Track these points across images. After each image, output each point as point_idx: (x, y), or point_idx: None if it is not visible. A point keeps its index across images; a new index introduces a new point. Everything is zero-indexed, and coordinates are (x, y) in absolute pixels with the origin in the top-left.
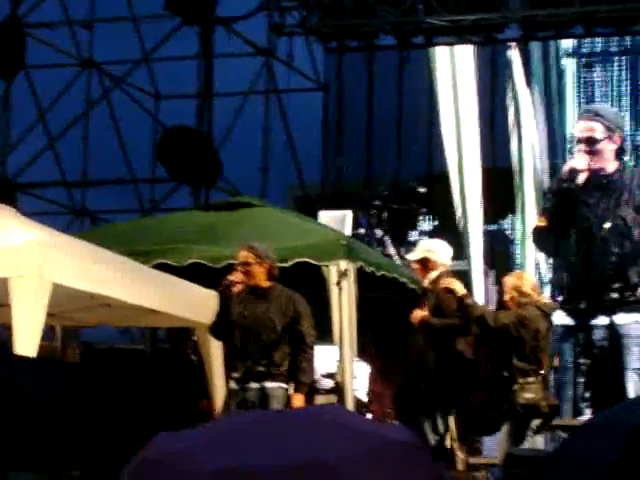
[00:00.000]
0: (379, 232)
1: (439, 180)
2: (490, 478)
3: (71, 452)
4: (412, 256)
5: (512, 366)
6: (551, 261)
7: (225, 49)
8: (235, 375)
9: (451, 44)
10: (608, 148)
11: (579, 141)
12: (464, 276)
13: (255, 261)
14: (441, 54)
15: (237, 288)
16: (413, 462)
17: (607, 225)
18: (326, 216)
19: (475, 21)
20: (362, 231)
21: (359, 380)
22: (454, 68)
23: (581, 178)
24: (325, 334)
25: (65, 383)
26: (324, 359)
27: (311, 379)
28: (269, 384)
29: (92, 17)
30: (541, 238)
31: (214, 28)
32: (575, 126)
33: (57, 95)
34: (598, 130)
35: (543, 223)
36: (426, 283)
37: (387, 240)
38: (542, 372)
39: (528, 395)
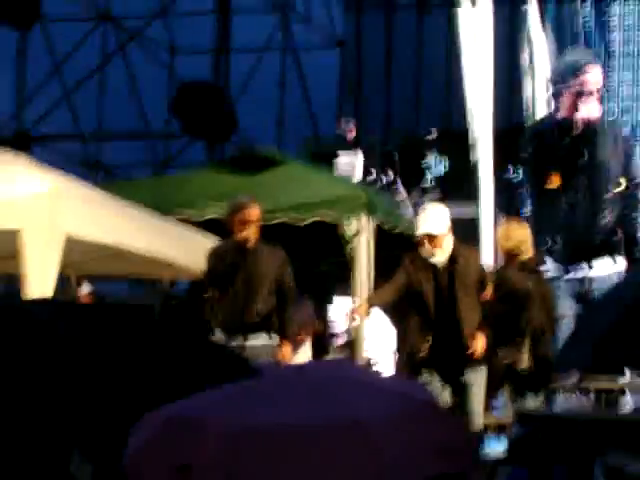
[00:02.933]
0: (390, 175)
1: (454, 135)
2: (512, 433)
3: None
4: (420, 231)
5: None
6: None
7: (242, 4)
8: (230, 327)
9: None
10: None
11: (591, 92)
12: (473, 224)
13: (259, 218)
14: (463, 13)
15: (250, 244)
16: (435, 418)
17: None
18: (339, 161)
19: None
20: (373, 175)
21: (370, 340)
22: (473, 27)
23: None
24: (343, 289)
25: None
26: (341, 316)
27: (294, 330)
28: (261, 342)
29: None
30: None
31: None
32: (589, 75)
33: (73, 47)
34: (600, 76)
35: (557, 183)
36: (441, 259)
37: (398, 184)
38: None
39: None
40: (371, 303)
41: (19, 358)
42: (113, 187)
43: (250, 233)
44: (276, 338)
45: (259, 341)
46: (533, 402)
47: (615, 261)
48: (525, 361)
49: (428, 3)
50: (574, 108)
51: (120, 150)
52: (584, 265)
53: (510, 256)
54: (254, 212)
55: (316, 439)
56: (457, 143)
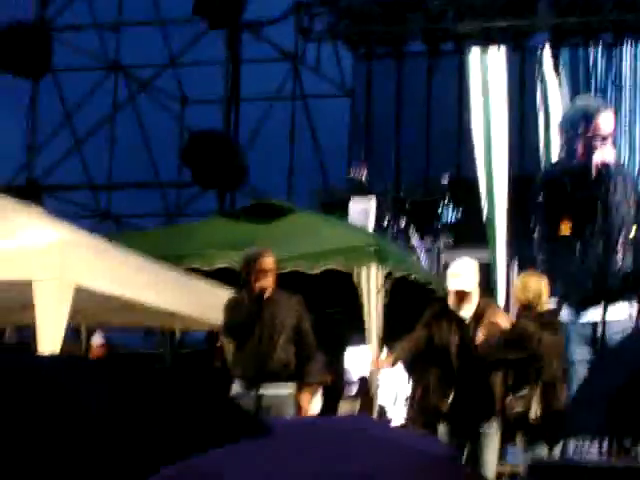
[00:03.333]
0: (403, 222)
1: (466, 183)
2: None
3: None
4: (452, 287)
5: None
6: None
7: (252, 54)
8: (251, 377)
9: (481, 50)
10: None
11: (605, 137)
12: (486, 267)
13: (275, 267)
14: (474, 59)
15: (268, 293)
16: (452, 476)
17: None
18: (353, 205)
19: (504, 28)
20: (386, 222)
21: (383, 387)
22: (485, 74)
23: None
24: (355, 338)
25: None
26: (355, 362)
27: (316, 378)
28: (282, 390)
29: (119, 20)
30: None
31: (242, 32)
32: (601, 120)
33: (83, 98)
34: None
35: (568, 231)
36: (468, 314)
37: (411, 230)
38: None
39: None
40: (397, 357)
41: (26, 419)
42: (123, 237)
43: (267, 282)
44: (294, 386)
45: (279, 390)
46: (544, 452)
47: (630, 306)
48: (535, 411)
49: (438, 51)
50: (587, 154)
51: (130, 200)
52: (598, 310)
53: (526, 307)
54: (270, 261)
55: None
56: (468, 190)
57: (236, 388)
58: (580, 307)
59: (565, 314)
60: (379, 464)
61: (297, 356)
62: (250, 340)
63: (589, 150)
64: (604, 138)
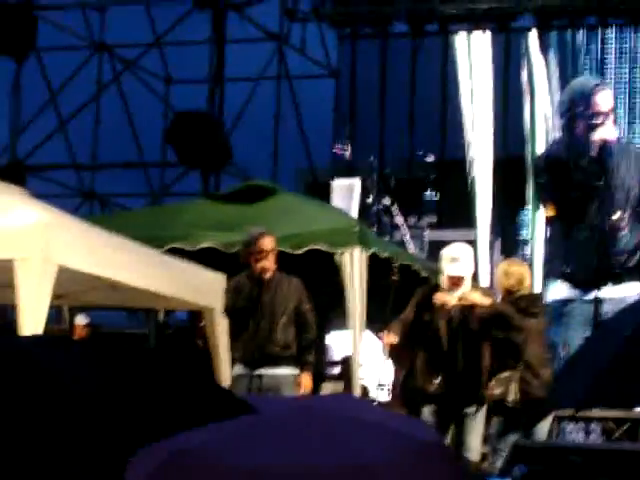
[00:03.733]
0: (387, 201)
1: (450, 163)
2: (516, 471)
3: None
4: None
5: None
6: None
7: (237, 34)
8: (247, 358)
9: (465, 32)
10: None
11: (605, 113)
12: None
13: (275, 247)
14: (460, 41)
15: (268, 275)
16: (439, 461)
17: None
18: (337, 185)
19: (489, 9)
20: (370, 200)
21: (366, 367)
22: (470, 55)
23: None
24: (336, 321)
25: (79, 360)
26: (334, 345)
27: (315, 359)
28: (282, 370)
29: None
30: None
31: (226, 13)
32: (599, 97)
33: (68, 78)
34: (611, 100)
35: (553, 212)
36: (453, 301)
37: (395, 209)
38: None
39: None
40: (395, 332)
41: (15, 400)
42: (107, 218)
43: (267, 263)
44: (296, 368)
45: (278, 371)
46: (519, 435)
47: (633, 284)
48: (513, 394)
49: (423, 31)
50: (588, 132)
51: (115, 180)
52: (599, 288)
53: (509, 293)
54: (269, 241)
55: None
56: (452, 170)
57: (236, 370)
58: (582, 286)
59: (566, 292)
60: (369, 450)
61: (298, 338)
62: (250, 322)
63: (589, 129)
64: (604, 115)
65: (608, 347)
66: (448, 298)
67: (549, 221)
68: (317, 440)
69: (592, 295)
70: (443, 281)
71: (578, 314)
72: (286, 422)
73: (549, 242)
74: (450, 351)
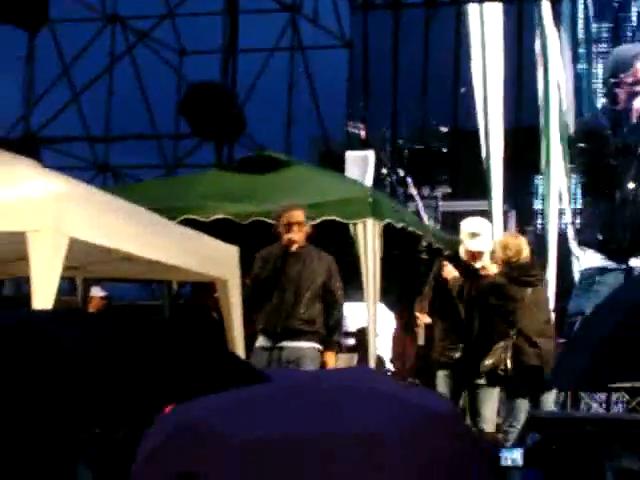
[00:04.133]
0: (401, 172)
1: (463, 134)
2: (528, 440)
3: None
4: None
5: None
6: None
7: (250, 5)
8: (270, 330)
9: (477, 2)
10: None
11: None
12: (485, 216)
13: (305, 221)
14: (472, 10)
15: (295, 247)
16: (453, 432)
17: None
18: (351, 157)
19: None
20: (384, 171)
21: (381, 338)
22: (483, 25)
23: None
24: (349, 292)
25: (90, 332)
26: (347, 317)
27: (340, 337)
28: (305, 344)
29: None
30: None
31: None
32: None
33: (81, 50)
34: None
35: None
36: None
37: (409, 180)
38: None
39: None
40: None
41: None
42: (120, 189)
43: (295, 236)
44: (318, 343)
45: (300, 344)
46: (524, 405)
47: None
48: (504, 364)
49: (435, 1)
50: (628, 100)
51: (128, 152)
52: (632, 257)
53: (508, 264)
54: (298, 214)
55: (330, 451)
56: (466, 140)
57: (259, 342)
58: (617, 255)
59: (602, 262)
60: (375, 416)
61: (325, 315)
62: (274, 294)
63: (630, 96)
64: None
65: (608, 322)
66: (455, 274)
67: (595, 185)
68: (323, 410)
69: (624, 264)
70: (463, 253)
71: (610, 283)
72: (295, 393)
73: (582, 211)
74: (467, 320)
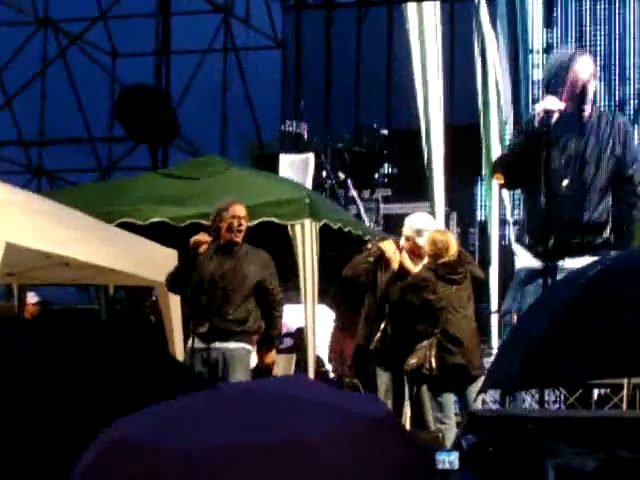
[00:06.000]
0: (341, 175)
1: (398, 135)
2: (464, 443)
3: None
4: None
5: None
6: (517, 202)
7: (183, 7)
8: (200, 331)
9: (408, 1)
10: (592, 89)
11: (585, 81)
12: None
13: (247, 219)
14: (410, 9)
15: (203, 248)
16: (389, 438)
17: (565, 182)
18: (288, 160)
19: None
20: (324, 174)
21: (319, 338)
22: (422, 24)
23: (553, 119)
24: (288, 293)
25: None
26: (285, 318)
27: (279, 334)
28: (233, 344)
29: None
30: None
31: None
32: (579, 64)
33: (13, 53)
34: (591, 69)
35: (501, 180)
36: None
37: (349, 183)
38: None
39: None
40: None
41: None
42: (56, 193)
43: (237, 237)
44: (248, 344)
45: (231, 344)
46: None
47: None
48: (428, 363)
49: (367, 0)
50: (570, 100)
51: (63, 156)
52: (556, 258)
53: (433, 260)
54: (243, 208)
55: (266, 461)
56: (404, 141)
57: (190, 343)
58: (543, 257)
59: (531, 262)
60: (304, 425)
61: (263, 315)
62: (205, 294)
63: (573, 98)
64: (585, 83)
65: (543, 319)
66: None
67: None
68: (252, 419)
69: (551, 264)
70: (405, 245)
71: (537, 284)
72: (229, 404)
73: (522, 211)
74: (391, 311)
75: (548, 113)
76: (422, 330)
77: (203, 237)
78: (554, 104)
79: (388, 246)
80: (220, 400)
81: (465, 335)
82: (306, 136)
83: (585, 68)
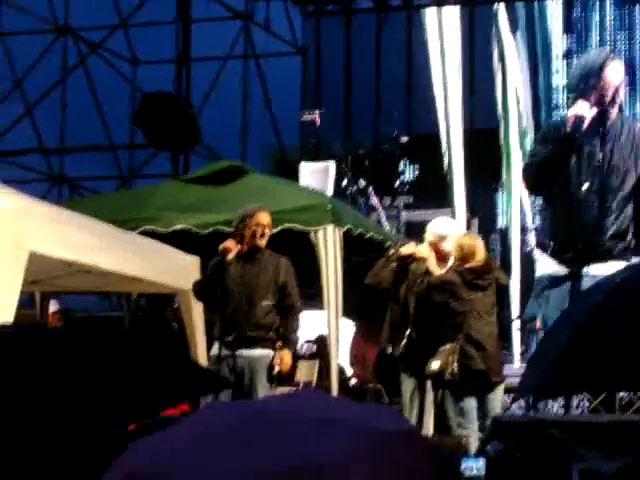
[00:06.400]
0: (362, 182)
1: (419, 142)
2: (489, 449)
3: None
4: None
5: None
6: (538, 208)
7: (203, 13)
8: (227, 339)
9: (428, 6)
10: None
11: (615, 87)
12: None
13: (270, 226)
14: (430, 14)
15: (231, 255)
16: (407, 452)
17: (585, 186)
18: (309, 168)
19: None
20: (345, 182)
21: (341, 346)
22: (441, 29)
23: (585, 125)
24: (309, 300)
25: (48, 348)
26: (308, 325)
27: (297, 340)
28: (258, 351)
29: None
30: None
31: None
32: (609, 68)
33: (33, 61)
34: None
35: (526, 188)
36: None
37: (370, 190)
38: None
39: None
40: None
41: None
42: (78, 202)
43: (262, 242)
44: (272, 350)
45: (254, 352)
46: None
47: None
48: (451, 367)
49: (387, 6)
50: (597, 105)
51: (84, 163)
52: (581, 264)
53: (460, 264)
54: (267, 215)
55: None
56: (424, 148)
57: (214, 350)
58: (567, 263)
59: (554, 268)
60: (315, 446)
61: (282, 320)
62: (229, 301)
63: (602, 103)
64: (617, 89)
65: (570, 326)
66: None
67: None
68: (271, 445)
69: (575, 271)
70: (427, 251)
71: (562, 289)
72: (240, 429)
73: (544, 218)
74: (415, 316)
75: (580, 119)
76: (444, 334)
77: (231, 244)
78: (586, 110)
79: (414, 248)
80: (236, 423)
81: (487, 341)
82: (318, 123)
83: (617, 73)
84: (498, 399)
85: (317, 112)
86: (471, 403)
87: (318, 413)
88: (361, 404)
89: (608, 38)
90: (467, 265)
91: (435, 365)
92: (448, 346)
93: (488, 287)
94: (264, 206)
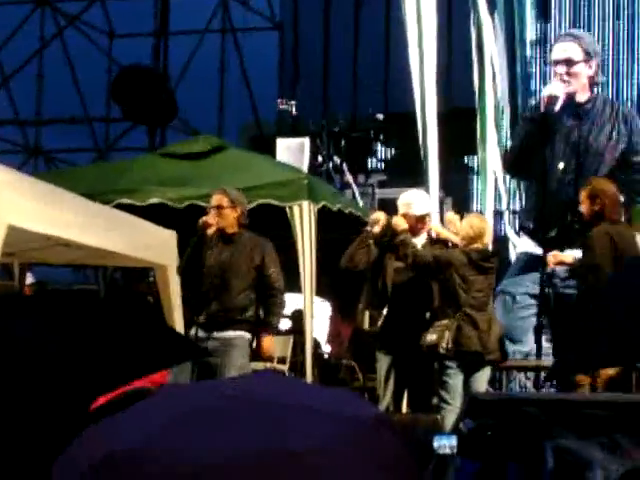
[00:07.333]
0: (337, 159)
1: (395, 120)
2: (462, 427)
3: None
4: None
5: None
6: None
7: None
8: (201, 320)
9: None
10: (584, 72)
11: (557, 62)
12: None
13: (228, 205)
14: None
15: (211, 230)
16: (378, 439)
17: (561, 166)
18: (284, 144)
19: None
20: (320, 159)
21: (317, 320)
22: (419, 7)
23: (558, 105)
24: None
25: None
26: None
27: (279, 322)
28: (231, 333)
29: None
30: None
31: None
32: (553, 49)
33: (10, 33)
34: (576, 52)
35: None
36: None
37: (345, 168)
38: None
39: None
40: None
41: None
42: (54, 174)
43: (219, 221)
44: (247, 332)
45: (229, 333)
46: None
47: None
48: (446, 342)
49: None
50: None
51: (60, 136)
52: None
53: (467, 244)
54: (215, 198)
55: (252, 474)
56: (400, 126)
57: (193, 332)
58: (544, 244)
59: (534, 251)
60: (295, 435)
61: (263, 301)
62: (203, 282)
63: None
64: (557, 63)
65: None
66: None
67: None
68: (242, 429)
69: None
70: (407, 223)
71: (534, 271)
72: (214, 412)
73: (523, 197)
74: (393, 295)
75: (553, 99)
76: (440, 309)
77: (211, 218)
78: (559, 89)
79: (381, 215)
80: (208, 405)
81: (485, 322)
82: (294, 112)
83: (559, 52)
84: (484, 379)
85: (293, 102)
86: (459, 380)
87: (287, 399)
88: (330, 390)
89: (581, 22)
90: (474, 245)
91: (430, 338)
92: (445, 321)
93: (491, 271)
94: (222, 188)
